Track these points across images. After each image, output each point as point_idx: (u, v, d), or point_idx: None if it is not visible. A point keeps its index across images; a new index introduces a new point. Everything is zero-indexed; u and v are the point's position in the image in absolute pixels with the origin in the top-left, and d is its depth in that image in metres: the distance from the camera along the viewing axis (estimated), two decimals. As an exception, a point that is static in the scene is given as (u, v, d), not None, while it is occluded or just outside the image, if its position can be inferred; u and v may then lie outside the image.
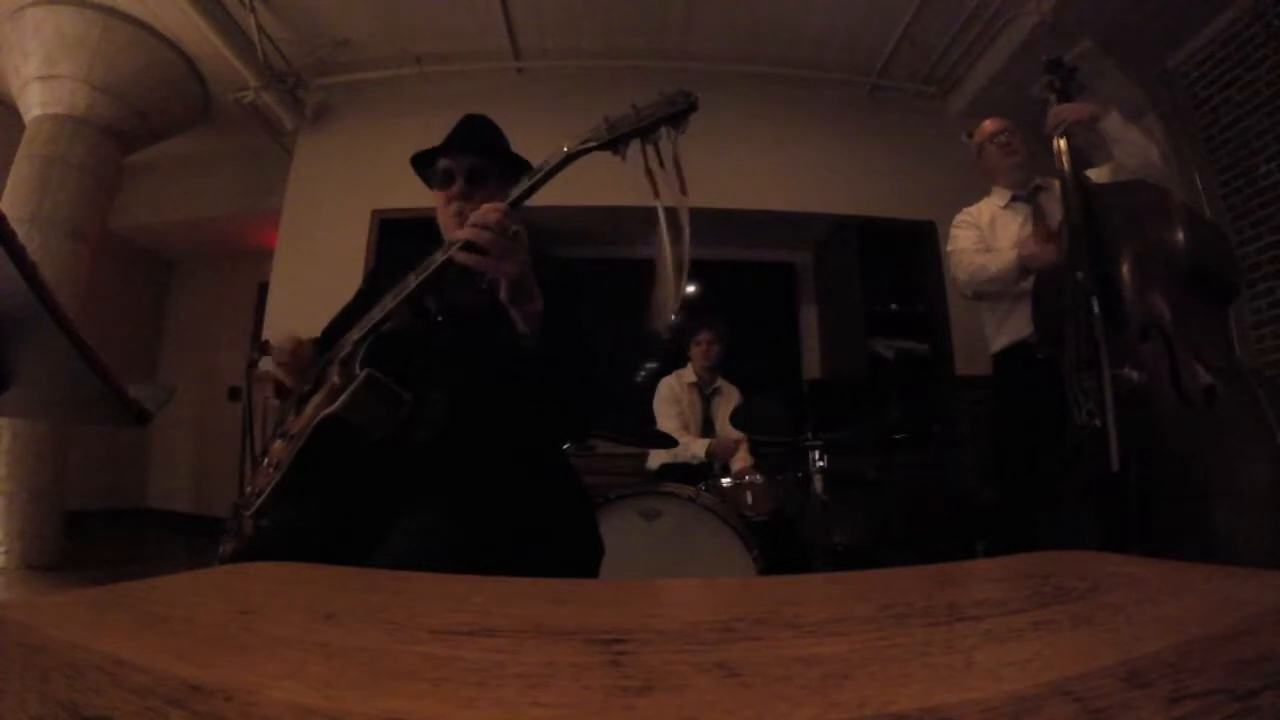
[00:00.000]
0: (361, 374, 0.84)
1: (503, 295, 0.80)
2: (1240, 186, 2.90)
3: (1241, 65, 2.84)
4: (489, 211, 0.78)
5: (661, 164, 0.77)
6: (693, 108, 0.76)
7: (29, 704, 0.21)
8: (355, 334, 0.92)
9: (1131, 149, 1.65)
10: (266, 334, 3.28)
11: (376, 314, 0.90)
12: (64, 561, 2.92)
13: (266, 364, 0.97)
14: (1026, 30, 3.08)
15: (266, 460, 0.93)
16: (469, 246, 0.78)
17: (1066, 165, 1.53)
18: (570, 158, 0.80)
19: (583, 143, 0.79)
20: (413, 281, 0.87)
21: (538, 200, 0.84)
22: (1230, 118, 2.92)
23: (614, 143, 0.77)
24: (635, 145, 0.78)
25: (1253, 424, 1.15)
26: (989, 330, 1.94)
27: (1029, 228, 1.81)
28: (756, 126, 3.62)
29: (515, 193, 0.82)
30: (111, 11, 3.03)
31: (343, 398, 0.83)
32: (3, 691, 0.23)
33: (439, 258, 0.84)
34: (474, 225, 0.78)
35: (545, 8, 3.30)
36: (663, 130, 0.77)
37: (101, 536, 3.78)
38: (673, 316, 0.81)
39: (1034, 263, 1.64)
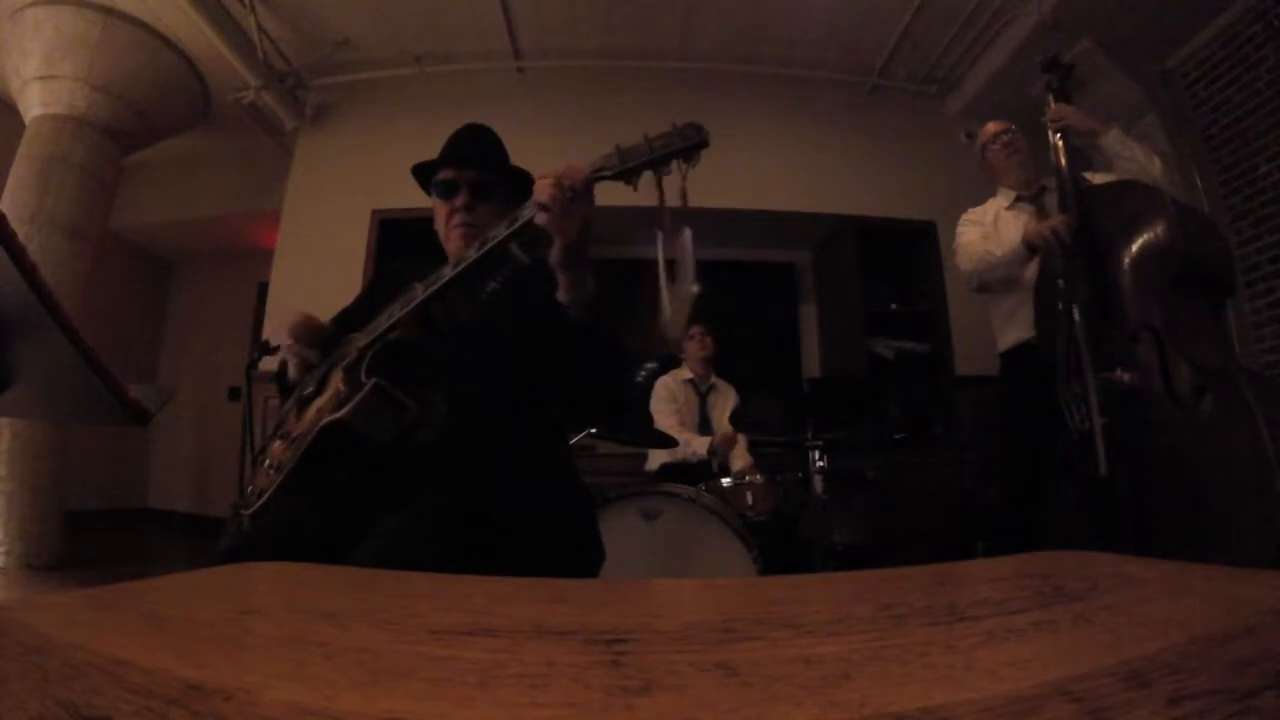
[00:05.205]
0: (369, 383, 0.84)
1: (554, 256, 0.80)
2: (1240, 186, 2.90)
3: (1241, 65, 2.84)
4: (568, 171, 0.78)
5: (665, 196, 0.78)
6: (704, 143, 0.77)
7: (29, 704, 0.21)
8: (360, 340, 0.92)
9: (1132, 166, 1.65)
10: (266, 334, 3.29)
11: (383, 322, 0.91)
12: (64, 561, 2.92)
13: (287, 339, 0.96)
14: (1026, 30, 3.08)
15: (268, 461, 0.93)
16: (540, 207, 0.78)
17: (1064, 161, 1.54)
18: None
19: (596, 171, 0.79)
20: (420, 293, 0.87)
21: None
22: (1230, 118, 2.91)
23: (627, 173, 0.78)
24: (648, 175, 0.79)
25: (1243, 423, 1.15)
26: (995, 329, 1.96)
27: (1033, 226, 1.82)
28: (756, 126, 3.62)
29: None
30: (111, 11, 3.03)
31: (349, 405, 0.84)
32: (3, 692, 0.23)
33: (447, 272, 0.86)
34: (547, 180, 0.77)
35: (545, 8, 3.30)
36: (673, 163, 0.77)
37: (101, 536, 3.77)
38: (680, 332, 0.83)
39: (1038, 239, 1.61)
